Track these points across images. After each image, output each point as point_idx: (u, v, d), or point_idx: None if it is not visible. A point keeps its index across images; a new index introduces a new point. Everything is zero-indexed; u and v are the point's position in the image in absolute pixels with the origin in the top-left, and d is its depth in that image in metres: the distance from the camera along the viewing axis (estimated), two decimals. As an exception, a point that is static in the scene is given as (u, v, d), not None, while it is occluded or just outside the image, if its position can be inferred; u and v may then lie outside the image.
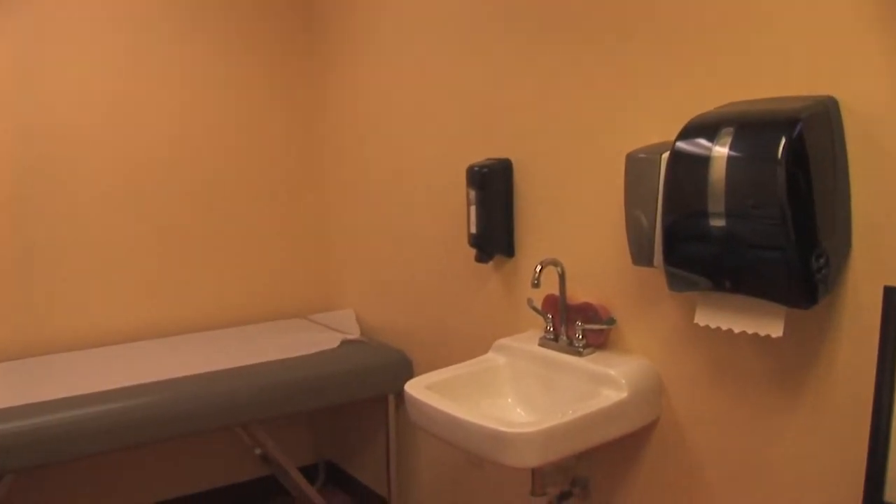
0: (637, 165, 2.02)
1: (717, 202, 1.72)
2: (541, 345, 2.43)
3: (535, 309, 2.50)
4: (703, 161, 1.73)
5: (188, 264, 3.66)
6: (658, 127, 2.13)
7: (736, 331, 1.82)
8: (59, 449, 2.67)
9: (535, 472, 2.35)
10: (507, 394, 2.45)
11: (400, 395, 3.35)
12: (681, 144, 1.79)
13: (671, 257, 1.85)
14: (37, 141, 3.27)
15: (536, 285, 2.24)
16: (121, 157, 3.46)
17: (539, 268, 2.26)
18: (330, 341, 3.40)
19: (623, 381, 2.14)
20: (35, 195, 3.30)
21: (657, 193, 1.96)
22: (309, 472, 3.99)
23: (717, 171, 1.70)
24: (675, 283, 1.88)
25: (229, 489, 3.82)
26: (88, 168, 3.39)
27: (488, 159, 2.69)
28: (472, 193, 2.66)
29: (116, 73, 3.42)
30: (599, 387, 2.19)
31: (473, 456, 2.93)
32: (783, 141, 1.59)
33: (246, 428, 3.09)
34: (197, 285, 3.69)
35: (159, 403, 2.82)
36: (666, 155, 1.92)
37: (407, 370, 3.27)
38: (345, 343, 3.39)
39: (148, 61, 3.48)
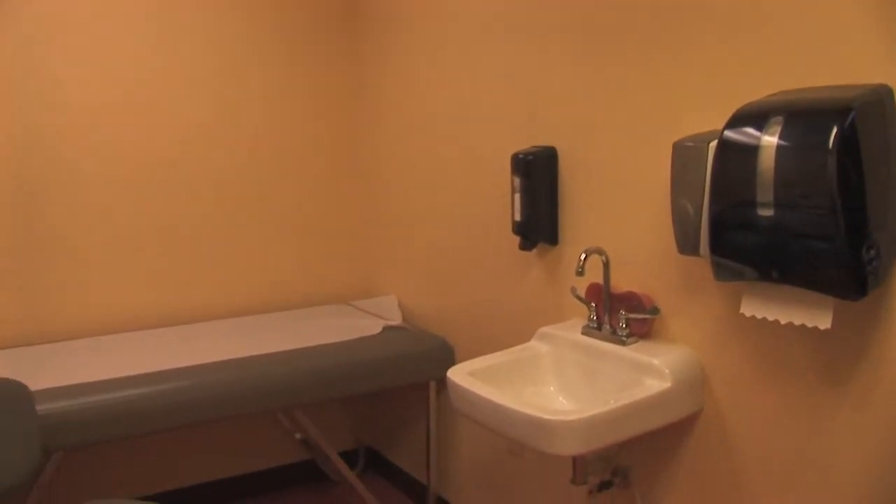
0: (684, 154, 2.00)
1: (765, 191, 1.70)
2: (584, 333, 2.43)
3: (578, 297, 2.49)
4: (752, 150, 1.71)
5: (232, 249, 3.69)
6: (705, 116, 2.11)
7: (783, 322, 1.81)
8: (106, 428, 2.72)
9: (577, 461, 2.35)
10: (549, 382, 2.45)
11: (441, 381, 3.36)
12: (729, 133, 1.78)
13: (717, 246, 1.84)
14: (73, 126, 3.33)
15: (580, 273, 2.23)
16: (166, 139, 3.50)
17: (583, 256, 2.26)
18: (372, 327, 3.42)
19: (666, 371, 2.13)
20: (85, 178, 3.35)
21: (704, 182, 1.94)
22: (348, 458, 4.02)
23: (766, 161, 1.68)
24: (720, 272, 1.87)
25: (269, 473, 3.86)
26: (133, 150, 3.44)
27: (533, 147, 2.69)
28: (517, 181, 2.66)
29: (158, 55, 3.46)
30: (642, 376, 2.18)
31: (514, 443, 2.94)
32: (835, 130, 1.57)
33: (287, 412, 3.11)
34: (241, 270, 3.72)
35: (203, 386, 2.86)
36: (713, 144, 1.90)
37: (448, 357, 3.28)
38: (387, 329, 3.41)
39: (194, 45, 3.52)
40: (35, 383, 2.77)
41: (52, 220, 3.31)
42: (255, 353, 3.10)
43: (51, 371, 2.93)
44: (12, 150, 3.21)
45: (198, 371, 2.91)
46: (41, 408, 2.64)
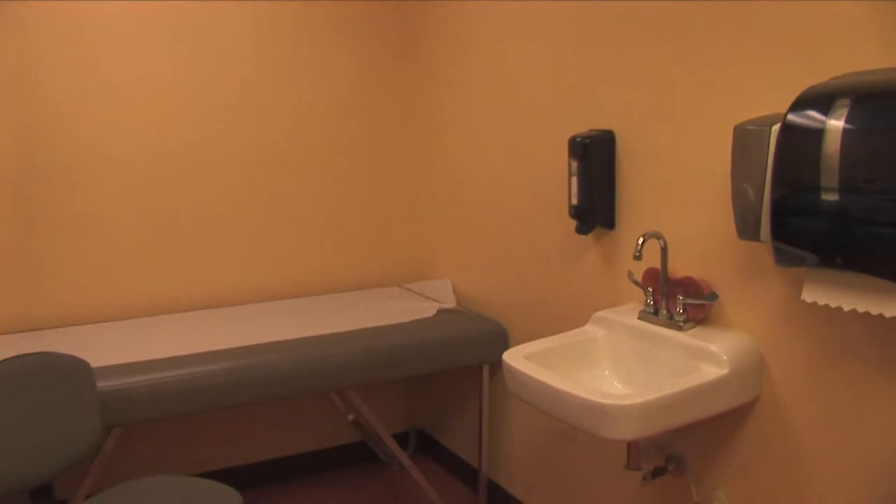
0: (745, 138, 1.98)
1: (830, 176, 1.67)
2: (640, 318, 2.41)
3: (635, 282, 2.48)
4: (817, 134, 1.68)
5: (288, 232, 3.73)
6: (767, 98, 2.08)
7: (846, 309, 1.78)
8: (164, 406, 2.77)
9: (631, 446, 2.34)
10: (604, 366, 2.44)
11: (494, 365, 3.36)
12: (793, 117, 1.75)
13: (779, 231, 1.81)
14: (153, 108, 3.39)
15: (638, 258, 2.22)
16: (224, 126, 3.54)
17: (641, 240, 2.24)
18: (426, 310, 3.43)
19: (724, 358, 2.11)
20: (139, 162, 3.41)
21: (766, 166, 1.92)
22: (400, 440, 4.05)
23: (832, 145, 1.66)
24: (782, 257, 1.84)
25: (321, 453, 3.91)
26: (195, 135, 3.48)
27: (591, 130, 2.67)
28: (574, 164, 2.65)
29: (200, 33, 3.50)
30: (699, 362, 2.16)
31: (567, 428, 2.94)
32: (904, 113, 1.54)
33: (341, 393, 3.14)
34: (296, 252, 3.76)
35: (259, 366, 2.89)
36: (776, 127, 1.87)
37: (502, 341, 3.28)
38: (441, 312, 3.42)
39: (244, 23, 3.55)
40: (95, 361, 2.82)
41: (104, 204, 3.37)
42: (310, 334, 3.13)
43: (110, 349, 2.99)
44: (55, 135, 3.28)
45: (254, 351, 2.95)
46: (101, 384, 2.70)
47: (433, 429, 4.02)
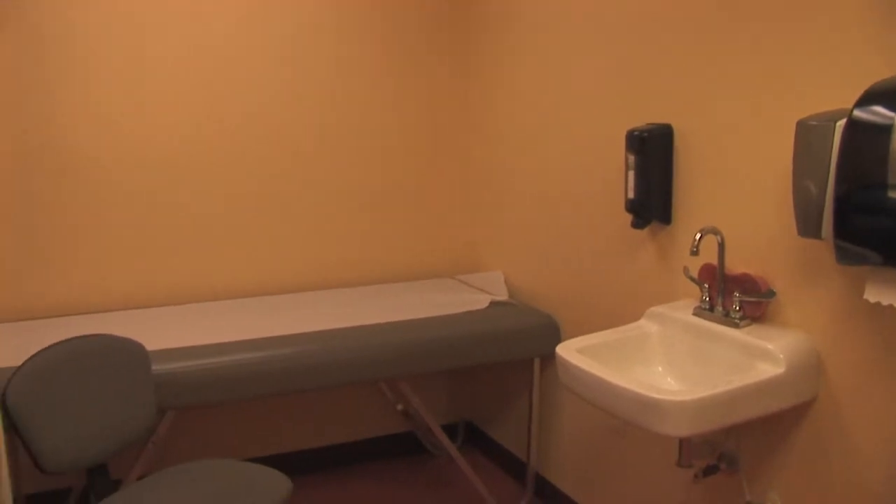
0: (808, 133, 1.94)
1: (897, 173, 1.64)
2: (695, 314, 2.39)
3: (691, 278, 2.45)
4: (885, 130, 1.65)
5: (342, 221, 3.75)
6: (831, 93, 2.04)
7: (910, 309, 1.75)
8: (217, 390, 2.81)
9: (683, 443, 2.32)
10: (657, 362, 2.42)
11: (545, 358, 3.35)
12: (859, 112, 1.72)
13: (842, 229, 1.78)
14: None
15: (695, 253, 2.19)
16: (279, 112, 3.57)
17: (699, 236, 2.22)
18: (479, 302, 3.43)
19: (781, 356, 2.08)
20: (199, 148, 3.45)
21: (829, 163, 1.88)
22: (448, 431, 4.06)
23: (899, 141, 1.62)
24: (843, 256, 1.81)
25: (370, 442, 3.93)
26: (251, 120, 3.52)
27: (649, 124, 2.64)
28: (631, 158, 2.62)
29: (259, 16, 3.52)
30: (755, 360, 2.14)
31: (619, 423, 2.92)
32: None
33: (391, 383, 3.15)
34: (350, 242, 3.78)
35: (310, 354, 2.91)
36: (841, 123, 1.84)
37: (554, 334, 3.26)
38: (494, 304, 3.41)
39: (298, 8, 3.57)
40: (151, 344, 2.87)
41: (158, 192, 3.42)
42: (362, 323, 3.14)
43: (165, 334, 3.04)
44: (108, 123, 3.33)
45: (306, 339, 2.97)
46: (156, 368, 2.74)
47: (482, 421, 4.02)
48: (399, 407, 3.87)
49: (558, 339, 3.26)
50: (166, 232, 3.44)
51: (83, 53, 3.21)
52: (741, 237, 2.35)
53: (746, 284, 2.28)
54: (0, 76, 3.11)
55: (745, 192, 2.33)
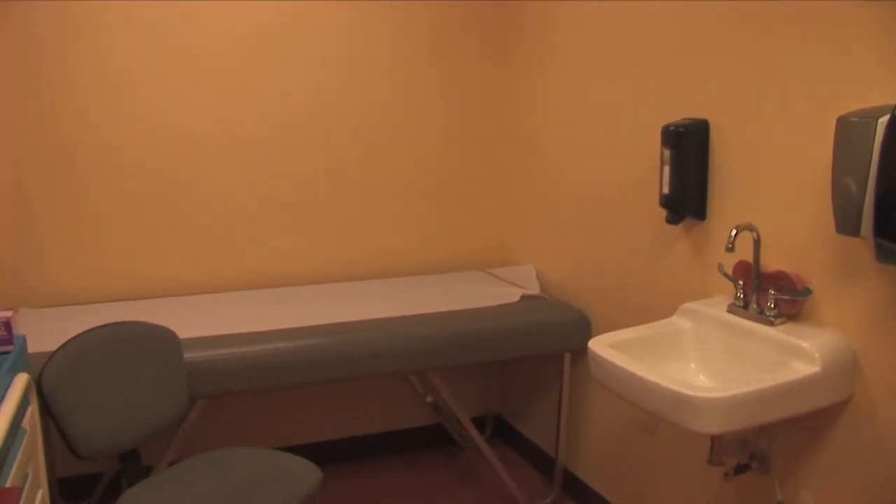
0: (849, 129, 1.92)
1: (939, 171, 1.61)
2: (729, 311, 2.37)
3: (725, 274, 2.43)
4: (928, 126, 1.62)
5: (375, 213, 3.76)
6: (873, 89, 2.01)
7: (950, 309, 1.72)
8: (247, 379, 2.83)
9: (715, 440, 2.30)
10: (690, 358, 2.40)
11: (576, 353, 3.34)
12: (902, 108, 1.69)
13: (882, 227, 1.76)
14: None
15: (731, 250, 2.17)
16: (313, 107, 3.58)
17: (734, 232, 2.20)
18: (510, 295, 3.42)
19: (816, 355, 2.06)
20: (240, 138, 3.47)
21: (870, 160, 1.86)
22: (476, 424, 4.05)
23: (943, 138, 1.59)
24: (883, 254, 1.79)
25: (399, 433, 3.94)
26: (283, 116, 3.53)
27: (685, 119, 2.62)
28: (667, 153, 2.60)
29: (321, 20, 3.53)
30: (789, 359, 2.11)
31: (649, 419, 2.90)
32: None
33: (420, 375, 3.15)
34: (382, 233, 3.78)
35: (342, 344, 2.92)
36: (884, 119, 1.81)
37: (585, 329, 3.25)
38: (525, 298, 3.40)
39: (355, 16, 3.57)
40: (183, 332, 2.88)
41: (198, 181, 3.44)
42: (393, 314, 3.15)
43: (197, 322, 3.06)
44: (149, 116, 3.35)
45: (337, 329, 2.98)
46: (188, 356, 2.76)
47: (510, 414, 4.02)
48: (428, 399, 3.87)
49: (589, 334, 3.25)
50: (202, 221, 3.47)
51: (148, 43, 3.25)
52: (777, 234, 2.32)
53: (782, 282, 2.26)
54: (54, 65, 3.15)
55: (781, 188, 2.30)
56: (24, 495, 1.96)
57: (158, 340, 2.71)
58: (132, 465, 2.65)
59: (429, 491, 3.57)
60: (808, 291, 2.21)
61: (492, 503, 3.46)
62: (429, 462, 3.84)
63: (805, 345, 2.08)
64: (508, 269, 3.78)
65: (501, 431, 4.09)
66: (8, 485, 1.85)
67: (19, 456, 1.99)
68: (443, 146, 3.83)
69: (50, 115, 3.20)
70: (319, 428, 3.78)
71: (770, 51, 2.31)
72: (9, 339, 2.26)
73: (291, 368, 2.87)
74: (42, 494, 2.21)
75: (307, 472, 2.55)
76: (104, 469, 3.38)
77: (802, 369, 2.05)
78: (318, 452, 3.77)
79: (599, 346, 2.29)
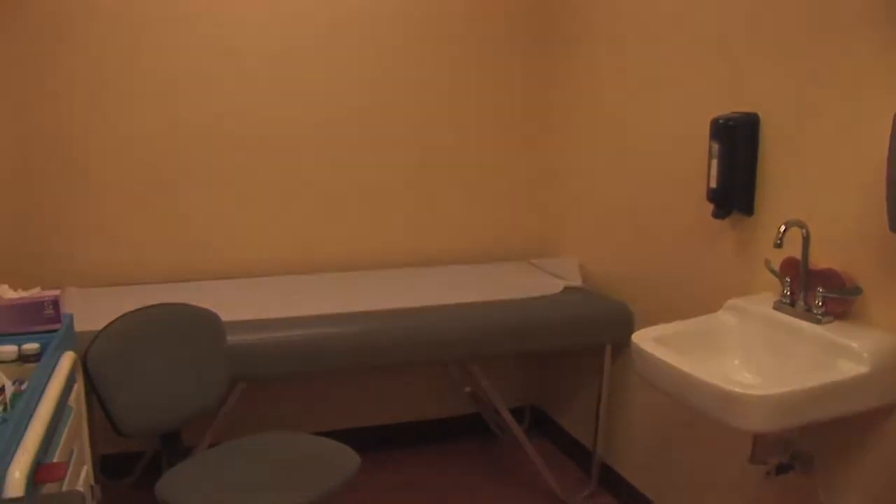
0: (906, 126, 1.88)
1: None
2: (775, 308, 2.33)
3: (772, 271, 2.39)
4: None
5: (420, 202, 3.77)
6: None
7: None
8: (288, 364, 2.84)
9: (757, 439, 2.27)
10: (734, 355, 2.37)
11: (617, 346, 3.32)
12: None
13: (938, 226, 1.72)
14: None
15: (779, 246, 2.14)
16: (356, 89, 3.60)
17: (783, 228, 2.17)
18: (552, 286, 3.41)
19: (865, 355, 2.02)
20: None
21: (927, 157, 1.82)
22: (514, 415, 4.03)
23: None
24: (938, 254, 1.75)
25: (436, 422, 3.95)
26: (334, 105, 3.55)
27: (734, 112, 2.59)
28: (715, 147, 2.57)
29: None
30: (837, 358, 2.08)
31: (694, 414, 2.87)
32: None
33: (461, 364, 3.15)
34: (426, 222, 3.79)
35: (382, 331, 2.93)
36: (942, 116, 1.77)
37: (627, 322, 3.23)
38: (567, 290, 3.39)
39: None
40: (226, 315, 2.91)
41: (250, 167, 3.47)
42: (436, 303, 3.15)
43: (240, 305, 3.08)
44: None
45: (379, 317, 2.99)
46: (230, 339, 2.78)
47: (548, 406, 4.01)
48: (467, 389, 3.87)
49: (631, 328, 3.23)
50: (250, 206, 3.50)
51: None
52: (827, 231, 2.28)
53: (831, 280, 2.22)
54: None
55: (832, 185, 2.26)
56: (69, 470, 1.98)
57: (201, 323, 2.74)
58: (173, 446, 2.68)
59: (465, 481, 3.57)
60: (858, 290, 2.17)
61: (528, 495, 3.45)
62: (466, 452, 3.84)
63: (854, 344, 2.05)
64: (551, 260, 3.76)
65: (539, 423, 4.08)
66: (55, 460, 1.88)
67: (66, 432, 2.02)
68: (489, 139, 3.82)
69: (100, 95, 3.24)
70: (357, 414, 3.79)
71: (824, 45, 2.26)
72: (56, 318, 2.29)
73: (331, 354, 2.88)
74: (86, 470, 2.25)
75: (346, 458, 2.56)
76: (144, 448, 3.42)
77: (850, 369, 2.02)
78: (354, 438, 3.78)
79: (643, 339, 2.27)
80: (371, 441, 3.83)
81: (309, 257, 3.63)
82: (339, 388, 3.73)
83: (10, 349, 2.09)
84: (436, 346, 2.99)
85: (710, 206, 2.73)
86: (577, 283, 3.48)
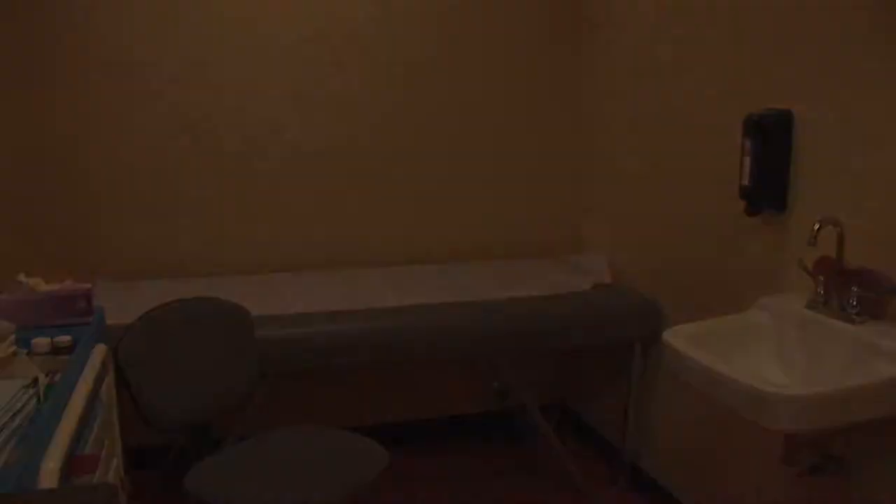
0: (945, 123, 1.85)
1: None
2: (808, 307, 2.30)
3: (805, 269, 2.37)
4: None
5: (449, 198, 3.77)
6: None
7: None
8: (316, 358, 2.85)
9: (789, 439, 2.25)
10: (766, 354, 2.35)
11: (647, 343, 3.30)
12: None
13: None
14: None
15: (813, 244, 2.12)
16: (385, 81, 3.60)
17: (817, 226, 2.14)
18: (581, 283, 3.39)
19: (901, 356, 1.99)
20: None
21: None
22: (542, 412, 4.01)
23: None
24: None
25: (463, 418, 3.95)
26: (373, 103, 3.55)
27: (767, 109, 2.56)
28: (748, 144, 2.54)
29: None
30: (872, 359, 2.05)
31: (726, 413, 2.85)
32: None
33: (490, 361, 3.14)
34: (455, 218, 3.79)
35: (412, 326, 2.94)
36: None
37: (657, 319, 3.21)
38: (596, 286, 3.37)
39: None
40: (255, 309, 2.91)
41: (285, 165, 3.48)
42: (464, 299, 3.14)
43: (269, 300, 3.09)
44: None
45: (408, 311, 2.99)
46: (259, 333, 2.79)
47: (576, 403, 3.99)
48: (495, 385, 3.87)
49: (660, 325, 3.21)
50: (280, 201, 3.53)
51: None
52: (862, 229, 2.25)
53: (866, 279, 2.19)
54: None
55: (867, 183, 2.23)
56: (101, 462, 2.00)
57: (231, 317, 2.74)
58: (203, 439, 2.69)
59: (492, 477, 3.57)
60: (894, 290, 2.14)
61: (555, 492, 3.44)
62: (493, 448, 3.83)
63: (890, 345, 2.02)
64: (580, 256, 3.75)
65: (567, 420, 4.06)
66: (88, 452, 1.89)
67: (97, 425, 2.03)
68: (520, 135, 3.82)
69: (142, 91, 3.28)
70: (384, 410, 3.80)
71: (859, 41, 2.23)
72: (88, 311, 2.31)
73: (361, 349, 2.89)
74: (117, 462, 2.26)
75: (375, 454, 2.56)
76: (171, 441, 3.44)
77: (886, 370, 1.99)
78: (382, 434, 3.77)
79: (675, 337, 2.25)
80: (398, 436, 3.83)
81: (340, 253, 3.64)
82: (368, 383, 3.74)
83: (43, 341, 2.11)
84: (465, 342, 2.98)
85: (742, 203, 2.71)
86: (607, 279, 3.46)
